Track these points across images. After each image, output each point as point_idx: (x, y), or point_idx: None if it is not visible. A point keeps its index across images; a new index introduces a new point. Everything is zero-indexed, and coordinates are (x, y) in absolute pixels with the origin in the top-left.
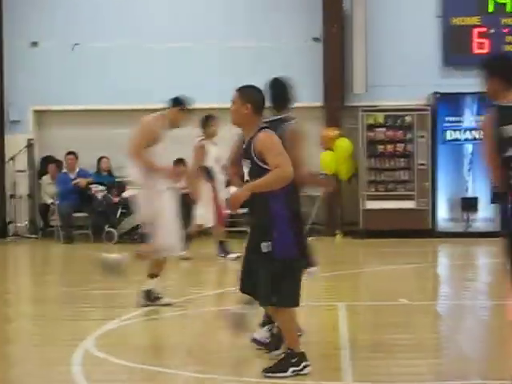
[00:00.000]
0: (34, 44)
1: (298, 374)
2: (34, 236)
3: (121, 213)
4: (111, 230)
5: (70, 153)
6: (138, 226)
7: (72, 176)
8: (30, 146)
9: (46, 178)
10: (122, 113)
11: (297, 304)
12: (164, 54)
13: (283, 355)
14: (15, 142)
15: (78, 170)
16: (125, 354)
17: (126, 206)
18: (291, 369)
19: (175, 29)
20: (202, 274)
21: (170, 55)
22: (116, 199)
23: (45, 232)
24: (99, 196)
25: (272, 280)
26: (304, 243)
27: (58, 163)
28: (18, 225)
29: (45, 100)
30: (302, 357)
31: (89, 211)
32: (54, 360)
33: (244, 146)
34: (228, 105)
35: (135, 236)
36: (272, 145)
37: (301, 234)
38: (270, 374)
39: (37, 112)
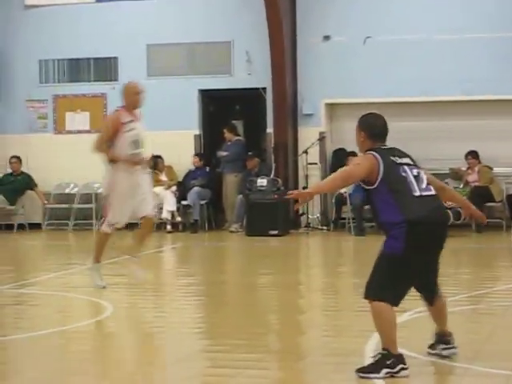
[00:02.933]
0: (327, 38)
1: (392, 376)
2: (325, 228)
3: None
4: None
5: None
6: None
7: None
8: (322, 138)
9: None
10: (413, 105)
11: None
12: (450, 46)
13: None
14: (308, 135)
15: None
16: (418, 347)
17: None
18: (385, 370)
19: (460, 21)
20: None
21: (455, 47)
22: None
23: (336, 224)
24: None
25: None
26: None
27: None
28: (310, 216)
29: (336, 93)
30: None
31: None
32: (346, 351)
33: None
34: None
35: None
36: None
37: None
38: (362, 374)
39: (329, 105)
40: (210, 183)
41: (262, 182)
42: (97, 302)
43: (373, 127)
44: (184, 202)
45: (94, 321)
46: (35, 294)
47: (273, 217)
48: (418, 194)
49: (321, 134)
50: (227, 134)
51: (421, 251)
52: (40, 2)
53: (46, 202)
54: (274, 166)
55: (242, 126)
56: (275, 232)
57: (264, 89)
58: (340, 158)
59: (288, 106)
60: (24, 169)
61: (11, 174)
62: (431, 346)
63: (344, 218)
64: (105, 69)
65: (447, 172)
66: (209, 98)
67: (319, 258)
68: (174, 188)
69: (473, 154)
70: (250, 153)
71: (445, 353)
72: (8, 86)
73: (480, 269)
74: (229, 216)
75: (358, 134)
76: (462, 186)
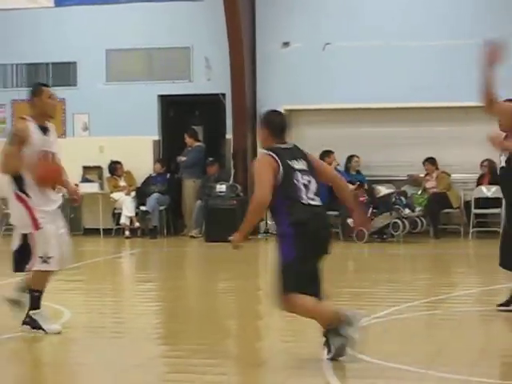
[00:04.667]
0: (286, 44)
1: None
2: None
3: (372, 212)
4: (361, 228)
5: (329, 151)
6: (388, 224)
7: None
8: None
9: None
10: (372, 111)
11: None
12: (408, 52)
13: None
14: None
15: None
16: (375, 352)
17: (377, 205)
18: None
19: (418, 27)
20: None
21: (413, 54)
22: (363, 198)
23: None
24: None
25: None
26: None
27: None
28: (269, 222)
29: (296, 99)
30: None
31: (339, 210)
32: (305, 355)
33: None
34: None
35: (385, 235)
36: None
37: None
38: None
39: (288, 111)
40: (169, 189)
41: (221, 187)
42: (54, 308)
43: (275, 124)
44: (143, 208)
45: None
46: None
47: (232, 222)
48: (305, 202)
49: None
50: (188, 140)
51: (309, 255)
52: None
53: (3, 207)
54: (233, 171)
55: (201, 131)
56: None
57: (223, 94)
58: None
59: (247, 112)
60: None
61: None
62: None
63: None
64: (64, 74)
65: (405, 178)
66: (168, 103)
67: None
68: (133, 193)
69: (430, 161)
70: (210, 159)
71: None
72: None
73: (438, 275)
74: (188, 222)
75: (261, 131)
76: (420, 192)
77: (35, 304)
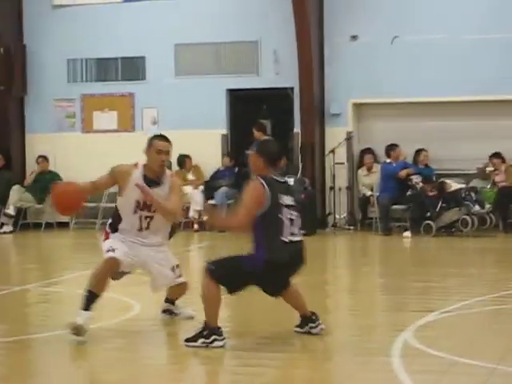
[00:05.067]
0: (354, 38)
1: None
2: (352, 227)
3: (441, 206)
4: (429, 222)
5: (394, 145)
6: (458, 219)
7: (394, 166)
8: (349, 138)
9: (362, 171)
10: (440, 105)
11: None
12: (476, 46)
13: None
14: (335, 135)
15: (401, 161)
16: (445, 347)
17: (447, 199)
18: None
19: (487, 20)
20: None
21: (482, 47)
22: (433, 192)
23: (363, 224)
24: (418, 188)
25: None
26: None
27: (374, 155)
28: (337, 216)
29: (364, 93)
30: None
31: (407, 203)
32: (372, 350)
33: None
34: None
35: (453, 229)
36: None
37: None
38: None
39: (356, 105)
40: (237, 183)
41: (289, 181)
42: (125, 301)
43: (272, 153)
44: (211, 202)
45: (122, 319)
46: (62, 293)
47: (300, 216)
48: (286, 239)
49: (348, 133)
50: (256, 133)
51: (278, 278)
52: (68, 2)
53: None
54: (300, 165)
55: (269, 125)
56: (302, 231)
57: (291, 88)
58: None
59: (315, 106)
60: (52, 168)
61: (39, 173)
62: (299, 326)
63: (371, 218)
64: (132, 68)
65: (474, 172)
66: (236, 97)
67: (346, 257)
68: (201, 187)
69: (496, 156)
70: None
71: (314, 331)
72: (36, 85)
73: (507, 269)
74: None
75: (257, 160)
76: (489, 186)
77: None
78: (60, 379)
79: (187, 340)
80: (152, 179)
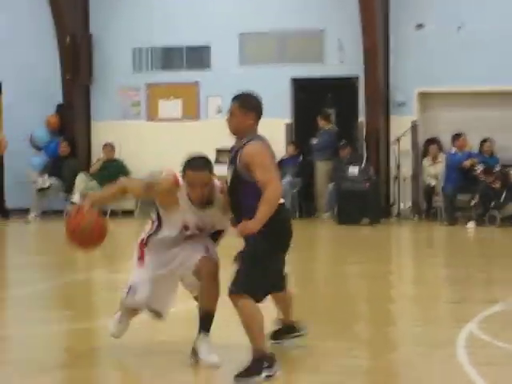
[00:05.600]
0: (420, 26)
1: None
2: (416, 217)
3: (505, 197)
4: (494, 212)
5: (459, 134)
6: None
7: (459, 156)
8: (414, 127)
9: (427, 160)
10: (505, 95)
11: None
12: None
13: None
14: (400, 124)
15: (467, 151)
16: (510, 338)
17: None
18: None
19: None
20: None
21: None
22: (496, 183)
23: (428, 213)
24: (481, 178)
25: None
26: None
27: (439, 144)
28: (401, 206)
29: (429, 82)
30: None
31: (471, 193)
32: (437, 341)
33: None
34: None
35: None
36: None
37: None
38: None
39: (421, 94)
40: (301, 171)
41: (353, 170)
42: None
43: (260, 108)
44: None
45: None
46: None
47: (364, 205)
48: (282, 201)
49: (413, 122)
50: (320, 122)
51: (279, 247)
52: None
53: None
54: (365, 154)
55: (333, 114)
56: (366, 221)
57: (356, 77)
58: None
59: (380, 95)
60: (117, 156)
61: (105, 161)
62: (273, 337)
63: (435, 208)
64: (198, 57)
65: None
66: (301, 86)
67: (410, 247)
68: None
69: None
70: (342, 141)
71: (290, 342)
72: (102, 73)
73: None
74: (319, 204)
75: (245, 116)
76: None
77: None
78: (124, 366)
79: (239, 375)
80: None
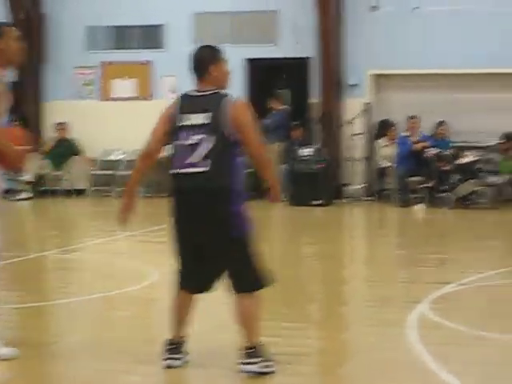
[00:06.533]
0: (374, 8)
1: None
2: (369, 198)
3: (458, 178)
4: (446, 194)
5: (413, 116)
6: (474, 191)
7: (412, 139)
8: (367, 109)
9: (382, 141)
10: (460, 77)
11: None
12: (498, 18)
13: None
14: (353, 106)
15: (420, 134)
16: (460, 319)
17: (462, 172)
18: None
19: None
20: None
21: (503, 20)
22: (446, 166)
23: (380, 195)
24: (433, 160)
25: None
26: None
27: (391, 126)
28: (354, 187)
29: (383, 64)
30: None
31: (424, 175)
32: (388, 321)
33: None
34: None
35: (468, 202)
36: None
37: None
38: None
39: (374, 76)
40: None
41: (306, 151)
42: (141, 269)
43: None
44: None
45: (139, 287)
46: (80, 260)
47: (316, 187)
48: (175, 171)
49: (365, 104)
50: (273, 103)
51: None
52: None
53: (91, 168)
54: (318, 135)
55: (287, 95)
56: (319, 202)
57: (310, 58)
58: (385, 128)
59: (334, 76)
60: (71, 135)
61: (58, 140)
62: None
63: (388, 190)
64: (152, 36)
65: (491, 145)
66: (255, 67)
67: (362, 228)
68: None
69: (508, 138)
70: (294, 122)
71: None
72: (56, 52)
73: None
74: None
75: (222, 66)
76: (507, 158)
77: None
78: (79, 344)
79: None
80: None
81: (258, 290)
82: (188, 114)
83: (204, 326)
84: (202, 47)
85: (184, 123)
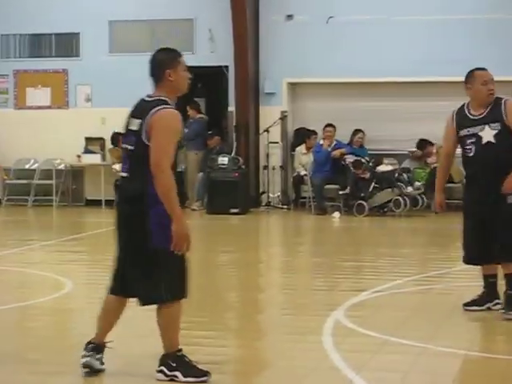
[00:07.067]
0: (289, 17)
1: None
2: (285, 206)
3: (374, 187)
4: (362, 202)
5: (328, 125)
6: (390, 200)
7: (328, 148)
8: (283, 117)
9: (300, 149)
10: (375, 85)
11: None
12: (409, 27)
13: None
14: (269, 114)
15: (334, 142)
16: (375, 326)
17: (379, 180)
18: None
19: (419, 2)
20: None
21: (415, 28)
22: (366, 173)
23: (296, 203)
24: (350, 168)
25: None
26: None
27: (313, 135)
28: (271, 195)
29: (298, 72)
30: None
31: (341, 183)
32: (304, 329)
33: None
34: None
35: (385, 210)
36: None
37: None
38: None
39: (290, 84)
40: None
41: (223, 160)
42: (56, 279)
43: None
44: None
45: (53, 297)
46: None
47: (233, 195)
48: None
49: (282, 113)
50: (190, 112)
51: None
52: None
53: (5, 177)
54: (235, 144)
55: (204, 104)
56: (236, 210)
57: (226, 67)
58: (301, 136)
59: (250, 85)
60: None
61: None
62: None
63: (304, 198)
64: (66, 44)
65: (406, 153)
66: None
67: (279, 236)
68: None
69: (424, 143)
70: (210, 131)
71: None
72: None
73: (439, 249)
74: (190, 194)
75: (179, 72)
76: (421, 167)
77: None
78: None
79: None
80: None
81: (167, 302)
82: (132, 119)
83: (126, 334)
84: (159, 51)
85: (129, 127)
